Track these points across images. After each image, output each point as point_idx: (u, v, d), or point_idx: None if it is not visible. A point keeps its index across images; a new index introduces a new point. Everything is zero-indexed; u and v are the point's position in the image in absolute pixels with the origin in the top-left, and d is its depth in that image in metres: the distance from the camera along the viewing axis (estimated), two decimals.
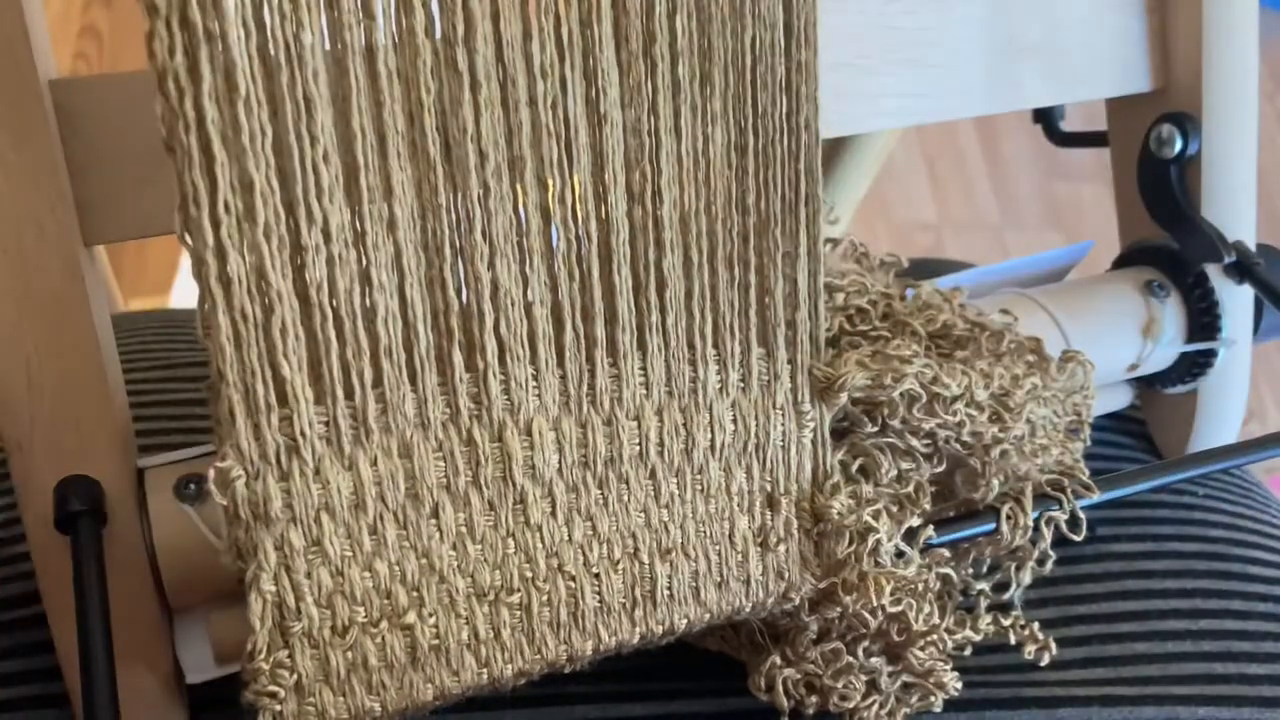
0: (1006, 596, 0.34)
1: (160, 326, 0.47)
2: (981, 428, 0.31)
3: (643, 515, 0.28)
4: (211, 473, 0.24)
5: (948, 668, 0.32)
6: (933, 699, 0.32)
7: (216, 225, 0.22)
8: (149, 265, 1.09)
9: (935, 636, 0.32)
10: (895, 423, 0.31)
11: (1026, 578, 0.34)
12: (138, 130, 0.28)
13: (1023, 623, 0.34)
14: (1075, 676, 0.36)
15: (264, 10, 0.22)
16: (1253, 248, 0.41)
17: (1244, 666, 0.36)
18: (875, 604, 0.30)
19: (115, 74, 0.28)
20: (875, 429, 0.31)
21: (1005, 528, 0.32)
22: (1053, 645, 0.34)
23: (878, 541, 0.30)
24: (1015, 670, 0.35)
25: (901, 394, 0.30)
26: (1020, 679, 0.35)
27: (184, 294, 1.07)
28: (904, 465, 0.32)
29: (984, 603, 0.34)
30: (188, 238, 0.22)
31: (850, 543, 0.30)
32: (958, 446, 0.32)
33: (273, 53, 0.22)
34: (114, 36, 1.25)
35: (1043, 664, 0.34)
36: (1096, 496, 0.33)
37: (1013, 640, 0.34)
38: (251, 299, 0.23)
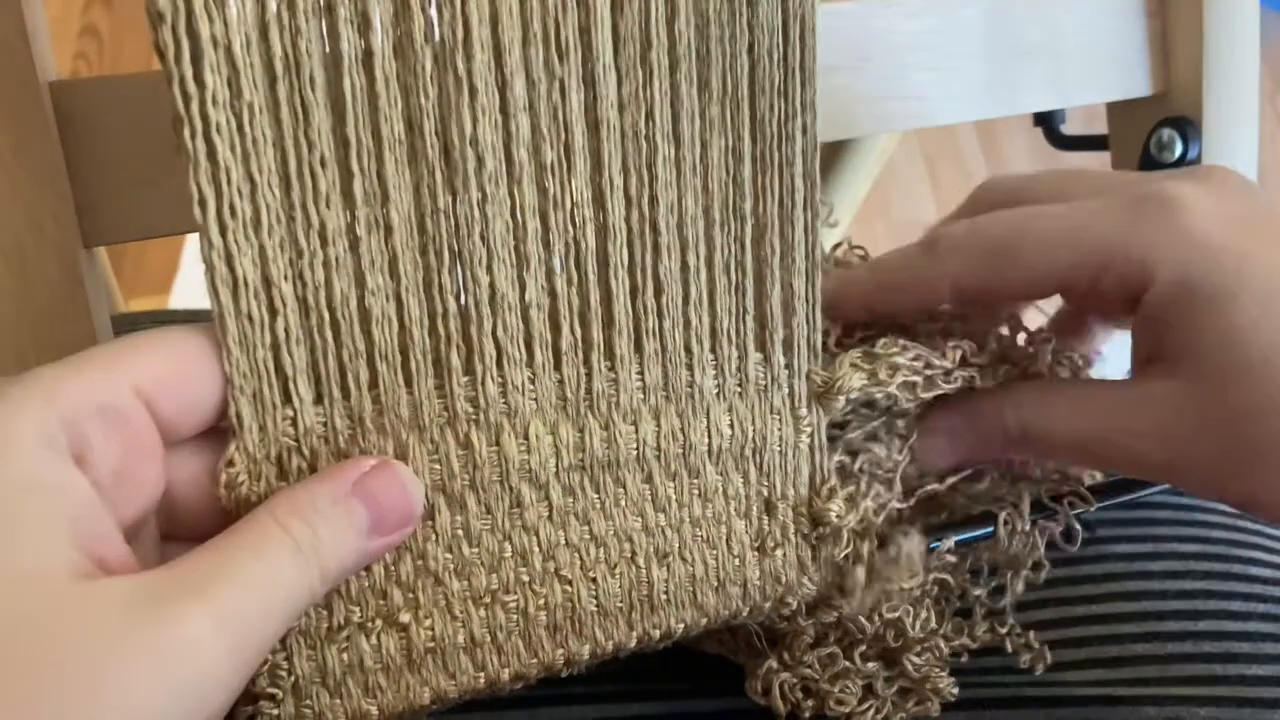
0: (1001, 604, 0.34)
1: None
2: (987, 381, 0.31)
3: (639, 519, 0.28)
4: (222, 476, 0.24)
5: (944, 673, 0.32)
6: (929, 704, 0.32)
7: (224, 230, 0.23)
8: (149, 266, 1.09)
9: (931, 643, 0.32)
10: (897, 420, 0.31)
11: (1020, 587, 0.34)
12: (138, 132, 0.28)
13: (1019, 631, 0.34)
14: (1075, 677, 0.36)
15: (266, 17, 0.22)
16: None
17: (1244, 668, 0.36)
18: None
19: (115, 76, 0.28)
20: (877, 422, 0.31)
21: (1003, 533, 0.32)
22: (1048, 655, 0.34)
23: None
24: (1016, 671, 0.35)
25: (900, 385, 0.30)
26: (1021, 679, 0.35)
27: (183, 294, 1.07)
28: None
29: (979, 610, 0.34)
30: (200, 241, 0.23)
31: (847, 546, 0.30)
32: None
33: (275, 60, 0.22)
34: (114, 37, 1.25)
35: (1038, 671, 0.34)
36: (1097, 500, 0.33)
37: (1009, 649, 0.34)
38: (258, 301, 0.23)
